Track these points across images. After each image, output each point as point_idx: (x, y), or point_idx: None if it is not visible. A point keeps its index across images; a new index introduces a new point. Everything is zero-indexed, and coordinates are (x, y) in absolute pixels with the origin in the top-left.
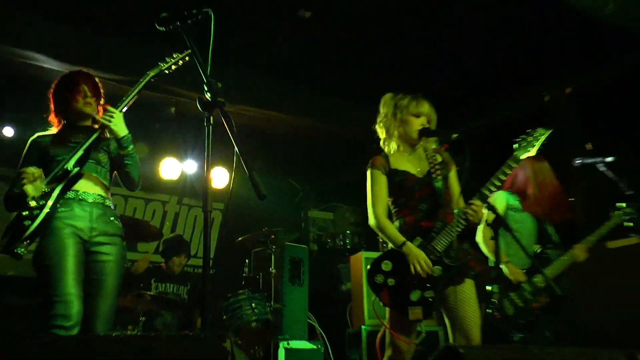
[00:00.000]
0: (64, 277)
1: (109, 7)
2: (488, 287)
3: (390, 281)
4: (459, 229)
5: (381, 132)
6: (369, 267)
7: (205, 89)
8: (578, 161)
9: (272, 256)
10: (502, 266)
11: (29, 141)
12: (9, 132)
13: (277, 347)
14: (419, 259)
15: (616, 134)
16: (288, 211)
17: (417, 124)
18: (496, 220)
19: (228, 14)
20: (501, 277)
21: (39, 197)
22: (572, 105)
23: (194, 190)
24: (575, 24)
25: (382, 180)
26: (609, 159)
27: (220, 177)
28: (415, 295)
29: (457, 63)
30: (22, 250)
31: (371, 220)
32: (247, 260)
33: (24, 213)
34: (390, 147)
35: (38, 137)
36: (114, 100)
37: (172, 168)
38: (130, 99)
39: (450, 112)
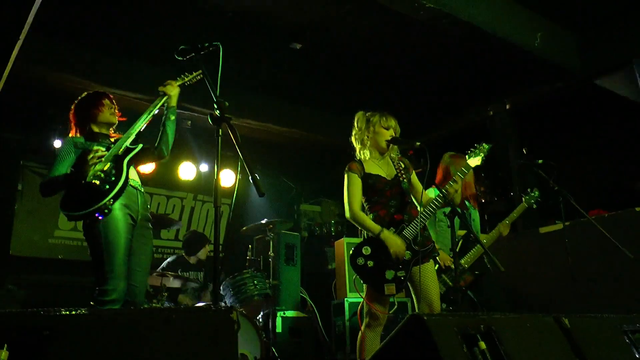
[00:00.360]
0: (117, 256)
1: (142, 41)
2: None
3: (370, 263)
4: (423, 222)
5: (356, 143)
6: (351, 251)
7: (215, 106)
8: (516, 162)
9: (271, 242)
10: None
11: (66, 141)
12: (58, 144)
13: (275, 316)
14: (395, 243)
15: (546, 141)
16: (283, 205)
17: (387, 135)
18: (452, 211)
19: (234, 46)
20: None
21: (109, 168)
22: (511, 118)
23: (207, 188)
24: (512, 55)
25: (357, 181)
26: (540, 161)
27: (228, 178)
28: (389, 274)
29: (420, 85)
30: (110, 204)
31: (348, 214)
32: (250, 246)
33: (95, 181)
34: (365, 155)
35: (74, 137)
36: (135, 115)
37: (188, 170)
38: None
39: (414, 124)
